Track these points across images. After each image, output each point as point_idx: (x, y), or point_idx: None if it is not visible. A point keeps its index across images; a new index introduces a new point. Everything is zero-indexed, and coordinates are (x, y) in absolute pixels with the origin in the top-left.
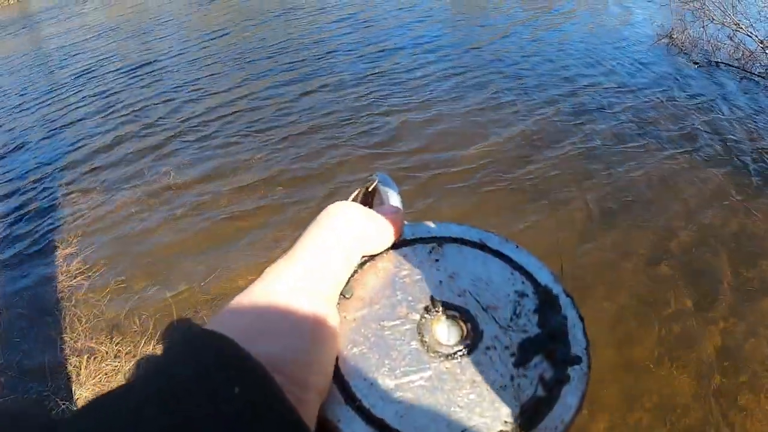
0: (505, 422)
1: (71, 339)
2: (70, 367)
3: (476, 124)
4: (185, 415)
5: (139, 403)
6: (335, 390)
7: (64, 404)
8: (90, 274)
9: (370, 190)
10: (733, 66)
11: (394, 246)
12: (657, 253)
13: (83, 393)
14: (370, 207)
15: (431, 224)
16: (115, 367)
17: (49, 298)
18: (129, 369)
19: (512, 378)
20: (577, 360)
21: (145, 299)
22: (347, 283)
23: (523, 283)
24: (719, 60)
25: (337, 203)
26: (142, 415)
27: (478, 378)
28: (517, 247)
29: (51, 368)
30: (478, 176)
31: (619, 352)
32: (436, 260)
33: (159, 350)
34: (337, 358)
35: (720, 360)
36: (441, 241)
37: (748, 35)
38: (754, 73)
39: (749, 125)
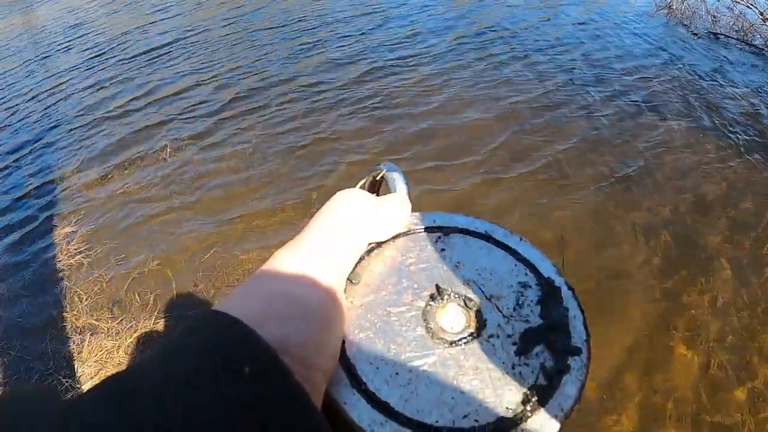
0: (507, 408)
1: (72, 317)
2: (72, 345)
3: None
4: (185, 404)
5: (136, 389)
6: (341, 373)
7: (67, 381)
8: (89, 252)
9: (377, 178)
10: (732, 37)
11: (401, 234)
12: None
13: (85, 370)
14: (378, 195)
15: (438, 214)
16: (117, 343)
17: (50, 277)
18: (130, 344)
19: (514, 366)
20: (577, 351)
21: (145, 275)
22: (354, 268)
23: (526, 274)
24: (719, 31)
25: (344, 191)
26: (139, 404)
27: (481, 365)
28: (521, 239)
29: (53, 347)
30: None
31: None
32: (442, 249)
33: (160, 326)
34: (343, 342)
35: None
36: (447, 230)
37: (748, 7)
38: (754, 45)
39: (752, 98)
